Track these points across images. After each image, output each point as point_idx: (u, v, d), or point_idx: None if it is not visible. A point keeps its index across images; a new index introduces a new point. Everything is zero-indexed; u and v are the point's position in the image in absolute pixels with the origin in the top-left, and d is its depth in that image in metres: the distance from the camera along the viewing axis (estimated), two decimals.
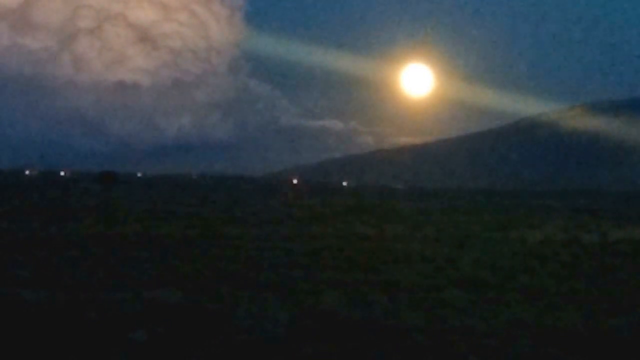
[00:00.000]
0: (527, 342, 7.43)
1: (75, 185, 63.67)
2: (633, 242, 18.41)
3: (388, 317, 8.48)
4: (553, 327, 8.06)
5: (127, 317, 8.22)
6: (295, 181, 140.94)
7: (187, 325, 7.89)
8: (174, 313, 8.49)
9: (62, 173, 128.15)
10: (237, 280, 10.96)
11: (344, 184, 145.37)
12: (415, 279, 11.33)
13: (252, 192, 65.29)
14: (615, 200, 58.53)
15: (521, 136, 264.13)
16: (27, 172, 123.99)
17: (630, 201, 55.69)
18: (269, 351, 6.97)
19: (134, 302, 9.07)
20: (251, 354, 6.89)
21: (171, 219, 24.68)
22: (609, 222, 26.93)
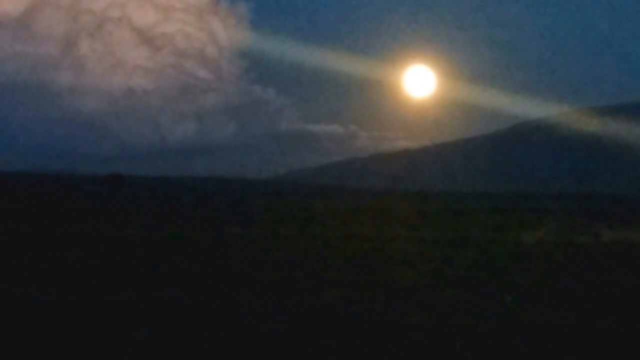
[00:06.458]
0: (524, 340, 7.62)
1: (82, 187, 63.72)
2: (626, 244, 18.65)
3: (387, 315, 8.64)
4: (548, 326, 8.26)
5: (133, 315, 8.38)
6: None
7: (191, 323, 8.03)
8: (179, 311, 8.63)
9: None
10: (240, 279, 11.19)
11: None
12: (414, 278, 11.48)
13: (255, 195, 65.26)
14: (610, 202, 58.63)
15: (519, 139, 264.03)
16: None
17: (624, 204, 55.86)
18: (271, 349, 7.13)
19: (140, 301, 9.22)
20: (254, 352, 7.05)
21: (176, 220, 24.90)
22: (602, 224, 27.10)
